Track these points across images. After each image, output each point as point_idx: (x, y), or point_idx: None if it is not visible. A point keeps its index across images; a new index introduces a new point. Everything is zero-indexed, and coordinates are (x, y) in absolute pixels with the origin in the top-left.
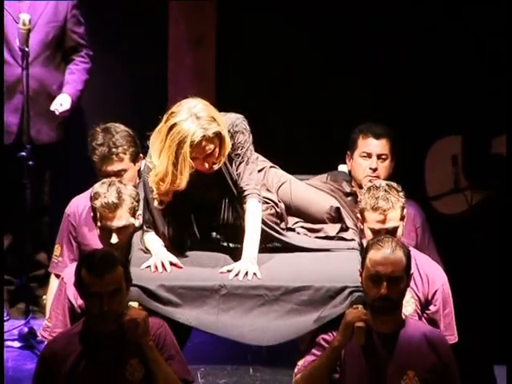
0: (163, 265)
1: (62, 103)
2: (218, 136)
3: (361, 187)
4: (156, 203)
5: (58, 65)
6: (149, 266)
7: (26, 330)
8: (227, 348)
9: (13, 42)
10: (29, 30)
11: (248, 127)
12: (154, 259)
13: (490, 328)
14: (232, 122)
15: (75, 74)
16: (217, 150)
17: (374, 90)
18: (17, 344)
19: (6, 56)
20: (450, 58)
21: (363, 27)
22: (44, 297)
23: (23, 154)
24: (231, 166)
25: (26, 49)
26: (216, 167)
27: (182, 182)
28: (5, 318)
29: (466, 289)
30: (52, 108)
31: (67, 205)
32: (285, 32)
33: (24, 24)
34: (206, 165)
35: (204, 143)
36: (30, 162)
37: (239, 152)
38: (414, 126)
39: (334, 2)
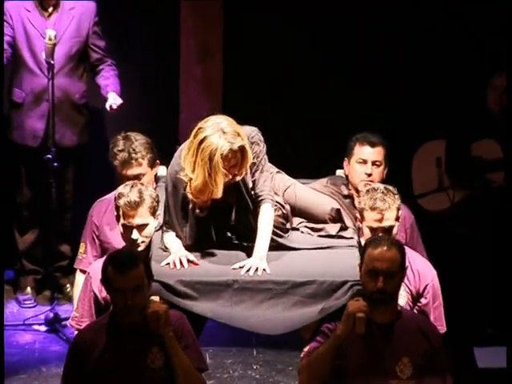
0: (181, 262)
1: (115, 99)
2: (242, 150)
3: (357, 190)
4: (197, 212)
5: (80, 76)
6: (168, 263)
7: (51, 315)
8: (233, 332)
9: (39, 55)
10: (54, 45)
11: (262, 138)
12: (172, 257)
13: (471, 314)
14: (248, 134)
15: (110, 79)
16: (239, 162)
17: (368, 100)
18: (43, 328)
19: (34, 67)
20: (436, 71)
21: (362, 44)
22: (68, 285)
23: (49, 156)
24: (248, 174)
25: (52, 61)
26: (238, 178)
27: (219, 190)
28: (32, 305)
29: (447, 278)
30: (109, 105)
31: (88, 202)
32: (287, 45)
33: (50, 39)
34: (230, 175)
35: (230, 156)
36: (55, 164)
37: (255, 161)
38: (403, 131)
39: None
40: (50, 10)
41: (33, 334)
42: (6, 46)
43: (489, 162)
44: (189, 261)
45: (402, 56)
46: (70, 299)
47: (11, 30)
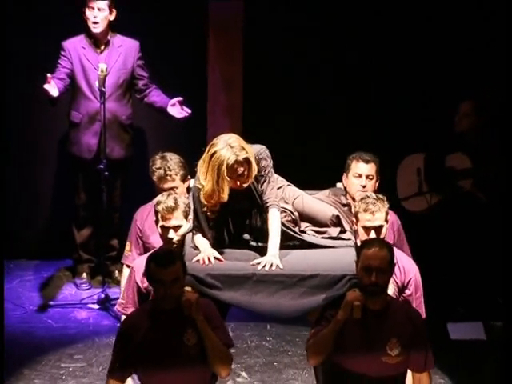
0: (209, 259)
1: (183, 108)
2: (247, 161)
3: (354, 200)
4: (209, 214)
5: (127, 101)
6: (198, 260)
7: (102, 296)
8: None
9: (93, 84)
10: (105, 76)
11: (269, 154)
12: (201, 255)
13: (446, 296)
14: (257, 151)
15: (162, 95)
16: (245, 172)
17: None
18: (96, 306)
19: (89, 94)
20: (417, 98)
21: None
22: (116, 272)
23: (101, 166)
24: (257, 184)
25: (103, 89)
26: (245, 185)
27: (225, 195)
28: (87, 287)
29: (425, 266)
30: (182, 115)
31: (133, 204)
32: (296, 79)
33: (102, 71)
34: (238, 183)
35: (236, 166)
36: (106, 173)
37: (263, 173)
38: (390, 147)
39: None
40: (102, 47)
41: (87, 311)
42: (65, 77)
43: (459, 172)
44: (215, 258)
45: (392, 87)
46: (117, 283)
47: (70, 63)
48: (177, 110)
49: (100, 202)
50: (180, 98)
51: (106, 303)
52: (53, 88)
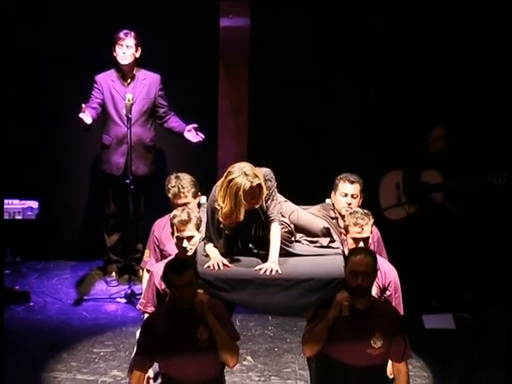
0: (218, 265)
1: (197, 134)
2: (259, 186)
3: (340, 214)
4: (227, 231)
5: (150, 126)
6: (209, 266)
7: (129, 291)
8: None
9: (121, 111)
10: (131, 104)
11: (273, 176)
12: (212, 261)
13: (420, 291)
14: (263, 173)
15: (180, 121)
16: (257, 195)
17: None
18: (123, 300)
19: (117, 120)
20: (395, 124)
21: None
22: (140, 271)
23: (127, 181)
24: (263, 202)
25: (130, 116)
26: (256, 206)
27: (241, 216)
28: (116, 284)
29: (403, 266)
30: (196, 140)
31: (155, 214)
32: (296, 107)
33: (129, 100)
34: (251, 204)
35: (250, 191)
36: (132, 187)
37: (268, 192)
38: (373, 165)
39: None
40: (129, 80)
41: (116, 305)
42: (97, 106)
43: (432, 186)
44: (223, 264)
45: (375, 117)
46: (141, 281)
47: (101, 94)
48: (192, 134)
49: (127, 212)
50: (195, 125)
51: (131, 298)
52: (87, 117)
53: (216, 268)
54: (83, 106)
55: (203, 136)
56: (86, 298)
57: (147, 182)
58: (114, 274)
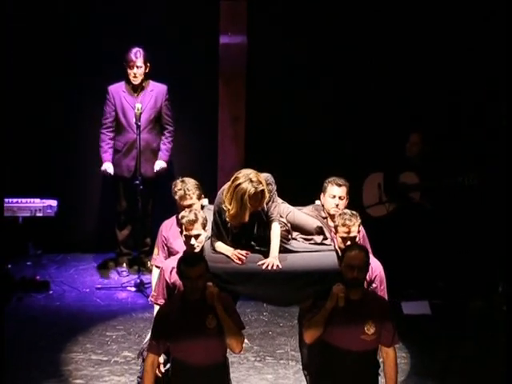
0: (238, 255)
1: (161, 165)
2: (262, 192)
3: (330, 214)
4: (234, 230)
5: (157, 132)
6: (229, 257)
7: (138, 281)
8: None
9: (131, 120)
10: (140, 113)
11: (274, 180)
12: (230, 253)
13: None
14: (265, 178)
15: (166, 145)
16: (260, 200)
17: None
18: (133, 289)
19: (127, 128)
20: (377, 130)
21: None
22: (149, 263)
23: (137, 182)
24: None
25: (139, 123)
26: (259, 209)
27: (246, 217)
28: (126, 274)
29: (384, 259)
30: (157, 168)
31: (163, 211)
32: (290, 118)
33: (138, 109)
34: (254, 208)
35: (254, 196)
36: (141, 187)
37: (269, 195)
38: (358, 168)
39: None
40: (138, 91)
41: (127, 293)
42: (111, 140)
43: (410, 186)
44: (240, 253)
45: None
46: (150, 272)
47: (113, 106)
48: (157, 165)
49: (136, 210)
50: (162, 169)
51: (140, 287)
52: (108, 167)
53: (239, 257)
54: (102, 169)
55: (162, 167)
56: (99, 286)
57: (154, 182)
58: (124, 265)
